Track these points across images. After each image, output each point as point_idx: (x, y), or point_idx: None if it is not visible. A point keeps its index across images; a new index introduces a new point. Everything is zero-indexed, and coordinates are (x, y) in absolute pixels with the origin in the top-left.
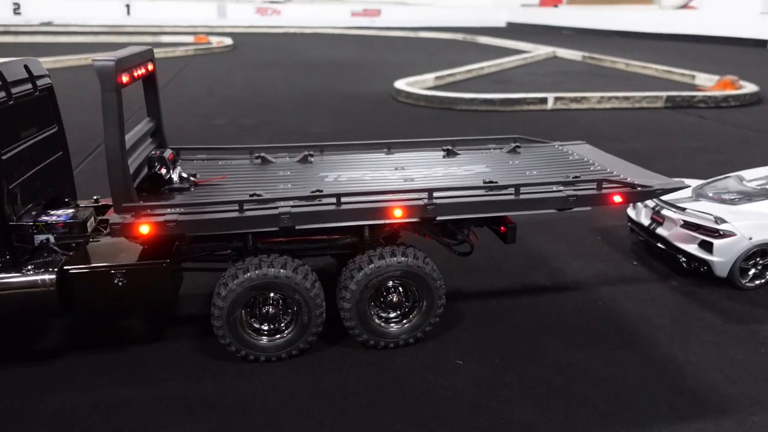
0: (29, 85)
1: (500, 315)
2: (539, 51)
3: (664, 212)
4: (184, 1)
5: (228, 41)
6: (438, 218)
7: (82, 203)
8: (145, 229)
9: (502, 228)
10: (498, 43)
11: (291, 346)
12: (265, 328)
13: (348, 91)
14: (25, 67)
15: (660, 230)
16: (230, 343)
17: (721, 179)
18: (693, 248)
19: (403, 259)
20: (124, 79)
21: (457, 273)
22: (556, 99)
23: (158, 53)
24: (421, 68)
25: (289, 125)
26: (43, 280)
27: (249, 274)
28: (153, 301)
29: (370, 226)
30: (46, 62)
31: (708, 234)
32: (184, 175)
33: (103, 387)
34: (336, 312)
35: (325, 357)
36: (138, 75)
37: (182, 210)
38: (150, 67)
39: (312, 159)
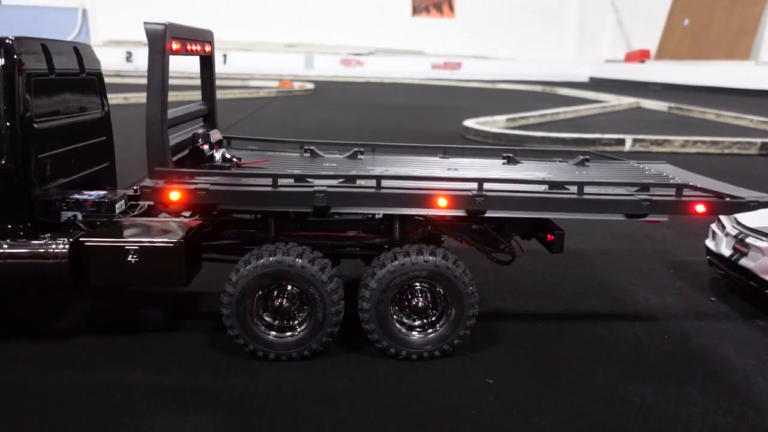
0: (75, 66)
1: (545, 339)
2: (621, 101)
3: (750, 240)
4: (274, 53)
5: (309, 86)
6: (487, 214)
7: (121, 191)
8: (175, 195)
9: (549, 236)
10: (578, 94)
11: (303, 346)
12: (277, 322)
13: (417, 128)
14: (75, 49)
15: (744, 261)
16: (239, 335)
17: None
18: None
19: (430, 258)
20: (174, 46)
21: (502, 293)
22: (635, 141)
23: (243, 93)
24: (494, 113)
25: None
26: (55, 252)
27: (262, 260)
28: (163, 282)
29: (401, 225)
30: (141, 96)
31: None
32: (228, 155)
33: (102, 369)
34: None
35: (339, 362)
36: (191, 49)
37: (215, 180)
38: (207, 48)
39: (362, 156)
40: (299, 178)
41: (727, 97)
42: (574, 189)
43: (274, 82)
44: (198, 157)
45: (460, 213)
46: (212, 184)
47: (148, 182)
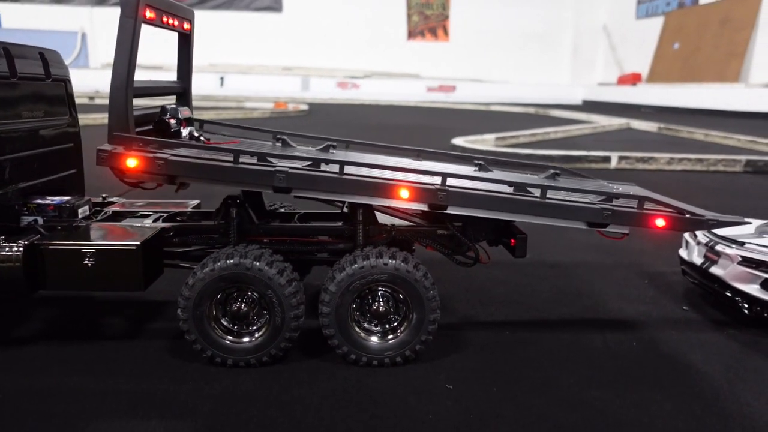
0: (40, 71)
1: (511, 345)
2: (612, 122)
3: (720, 248)
4: (271, 75)
5: (303, 107)
6: (449, 210)
7: (86, 197)
8: (132, 162)
9: (512, 240)
10: (570, 116)
11: (261, 351)
12: (235, 327)
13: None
14: (41, 54)
15: (714, 269)
16: (196, 341)
17: None
18: (754, 289)
19: (390, 261)
20: (148, 14)
21: (472, 302)
22: (621, 158)
23: (237, 114)
24: (485, 132)
25: None
26: (8, 255)
27: (219, 263)
28: (120, 285)
29: (365, 230)
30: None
31: None
32: (196, 134)
33: (55, 375)
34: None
35: (298, 368)
36: (167, 22)
37: (175, 151)
38: (186, 26)
39: (334, 151)
40: (262, 157)
41: (717, 118)
42: (537, 193)
43: (270, 103)
44: (164, 132)
45: (422, 207)
46: (172, 154)
47: (106, 146)
